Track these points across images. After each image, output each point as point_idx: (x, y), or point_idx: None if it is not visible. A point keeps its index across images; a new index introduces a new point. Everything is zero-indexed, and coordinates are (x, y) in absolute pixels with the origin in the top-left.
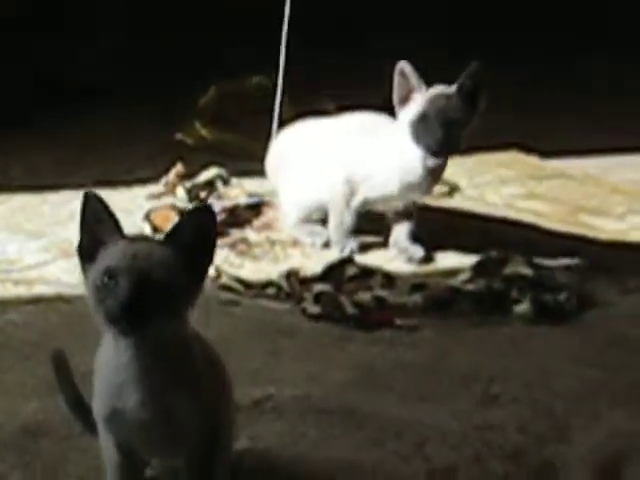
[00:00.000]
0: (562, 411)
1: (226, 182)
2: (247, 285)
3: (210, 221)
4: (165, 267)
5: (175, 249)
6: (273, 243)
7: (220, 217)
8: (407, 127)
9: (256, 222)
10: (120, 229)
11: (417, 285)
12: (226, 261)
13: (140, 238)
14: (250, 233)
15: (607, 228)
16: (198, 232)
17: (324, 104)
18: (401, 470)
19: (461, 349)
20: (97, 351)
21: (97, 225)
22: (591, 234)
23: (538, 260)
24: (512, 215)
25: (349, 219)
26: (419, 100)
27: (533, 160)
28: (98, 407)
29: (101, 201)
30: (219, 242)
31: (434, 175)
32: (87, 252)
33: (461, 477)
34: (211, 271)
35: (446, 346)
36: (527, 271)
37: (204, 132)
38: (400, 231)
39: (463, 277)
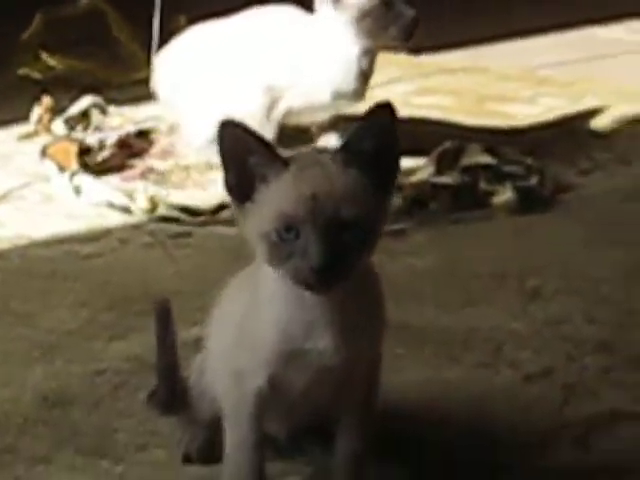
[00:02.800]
0: (617, 295)
1: (104, 111)
2: (194, 213)
3: (392, 119)
4: (356, 199)
5: (359, 166)
6: (187, 169)
7: (113, 149)
8: (348, 21)
9: (154, 150)
10: (277, 155)
11: None
12: (146, 192)
13: (305, 159)
14: (154, 162)
15: (522, 113)
16: (381, 136)
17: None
18: (495, 381)
19: (464, 248)
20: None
21: (245, 156)
22: (508, 122)
23: (494, 147)
24: (417, 113)
25: (271, 133)
26: None
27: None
28: (263, 349)
29: (242, 127)
30: (127, 175)
31: (367, 78)
32: (239, 191)
33: (559, 378)
34: (145, 203)
35: (448, 247)
36: (488, 159)
37: (52, 62)
38: (329, 144)
39: (429, 171)
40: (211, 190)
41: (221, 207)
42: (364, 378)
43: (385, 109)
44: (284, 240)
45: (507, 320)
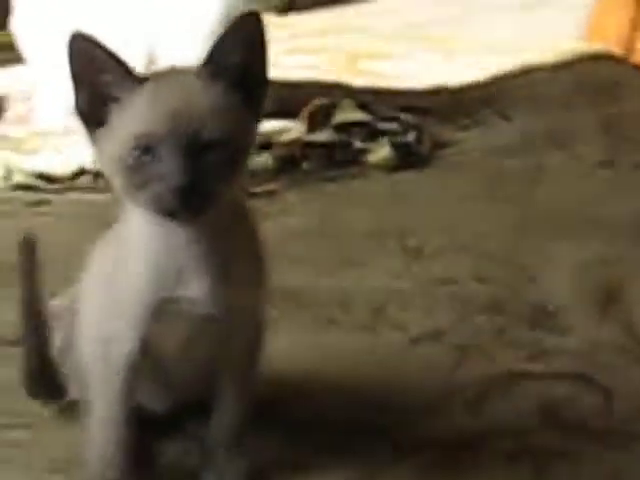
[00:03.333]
0: (503, 251)
1: None
2: (50, 179)
3: (260, 29)
4: (221, 117)
5: (225, 81)
6: (45, 135)
7: None
8: None
9: (8, 116)
10: (131, 72)
11: (261, 146)
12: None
13: (164, 75)
14: (8, 128)
15: (396, 70)
16: (249, 47)
17: None
18: (379, 344)
19: (339, 207)
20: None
21: (97, 74)
22: (381, 80)
23: (368, 103)
24: (287, 74)
25: None
26: None
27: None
28: (131, 305)
29: (93, 41)
30: None
31: None
32: (91, 114)
33: (450, 339)
34: None
35: (322, 206)
36: (362, 116)
37: None
38: None
39: (300, 129)
40: (68, 155)
41: (80, 172)
42: (246, 340)
43: (251, 18)
44: (141, 163)
45: (389, 281)
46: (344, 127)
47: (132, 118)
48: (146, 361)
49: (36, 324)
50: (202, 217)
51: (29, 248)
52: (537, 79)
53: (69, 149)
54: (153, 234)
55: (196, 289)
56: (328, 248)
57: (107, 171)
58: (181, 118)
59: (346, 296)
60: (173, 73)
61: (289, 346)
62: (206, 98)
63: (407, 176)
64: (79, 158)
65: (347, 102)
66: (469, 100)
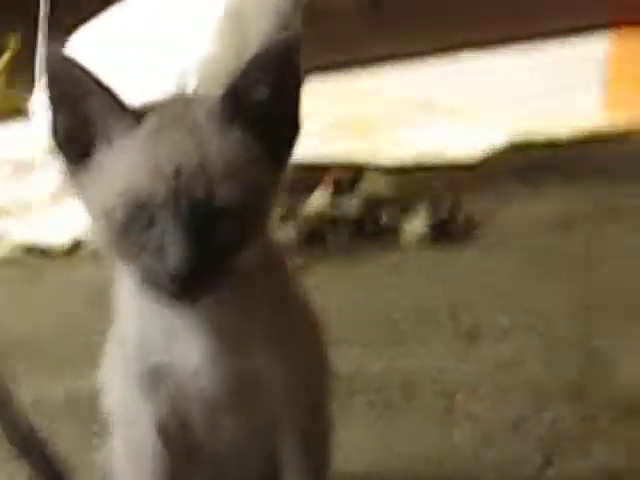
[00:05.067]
0: (572, 331)
1: None
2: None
3: (295, 54)
4: (238, 174)
5: (245, 123)
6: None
7: None
8: None
9: None
10: (124, 104)
11: (282, 216)
12: None
13: (167, 112)
14: None
15: (412, 142)
16: (278, 79)
17: None
18: (453, 438)
19: (377, 283)
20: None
21: (80, 98)
22: (400, 149)
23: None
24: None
25: None
26: None
27: None
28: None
29: (76, 64)
30: None
31: None
32: (72, 145)
33: (530, 432)
34: None
35: (357, 284)
36: (391, 191)
37: None
38: None
39: (323, 199)
40: (62, 224)
41: (76, 245)
42: (299, 436)
43: (286, 44)
44: (133, 223)
45: (449, 363)
46: (371, 199)
47: (124, 166)
48: (177, 446)
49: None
50: (206, 297)
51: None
52: (567, 151)
53: (63, 216)
54: (142, 297)
55: (191, 356)
56: (375, 328)
57: (92, 224)
58: (186, 178)
59: (407, 381)
60: (179, 108)
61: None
62: (221, 148)
63: (445, 252)
64: (74, 228)
65: (375, 175)
66: (499, 173)
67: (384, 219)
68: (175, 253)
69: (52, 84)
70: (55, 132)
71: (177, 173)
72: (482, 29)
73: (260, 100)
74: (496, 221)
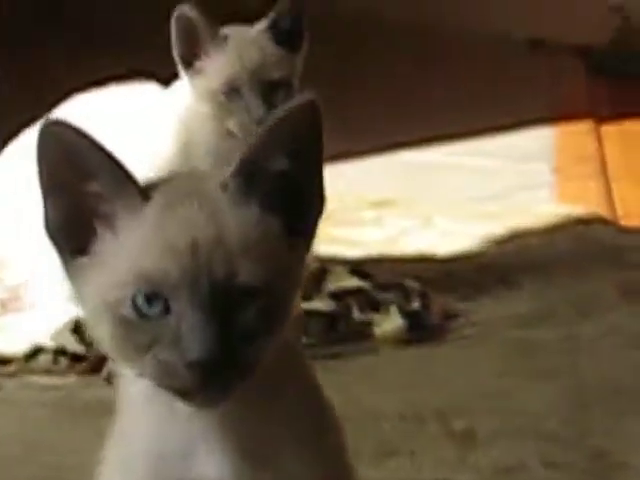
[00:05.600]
0: (567, 431)
1: None
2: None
3: (316, 119)
4: (260, 251)
5: (263, 198)
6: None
7: None
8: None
9: None
10: (133, 180)
11: None
12: None
13: (178, 188)
14: None
15: (370, 238)
16: (298, 147)
17: None
18: None
19: (355, 387)
20: None
21: (79, 180)
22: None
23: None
24: None
25: None
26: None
27: None
28: None
29: (77, 130)
30: None
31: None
32: (68, 236)
33: None
34: None
35: (334, 385)
36: (360, 283)
37: None
38: None
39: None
40: (21, 329)
41: (36, 351)
42: None
43: (307, 108)
44: (144, 317)
45: (446, 473)
46: (340, 296)
47: (131, 249)
48: None
49: None
50: (230, 396)
51: None
52: (531, 245)
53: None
54: (151, 397)
55: (214, 470)
56: (360, 435)
57: (89, 318)
58: (205, 256)
59: None
60: (190, 183)
61: None
62: (238, 223)
63: (423, 350)
64: (34, 334)
65: (340, 268)
66: (465, 269)
67: (356, 314)
68: (195, 340)
69: (45, 160)
70: (47, 220)
71: (193, 249)
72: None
73: (279, 172)
74: (470, 317)
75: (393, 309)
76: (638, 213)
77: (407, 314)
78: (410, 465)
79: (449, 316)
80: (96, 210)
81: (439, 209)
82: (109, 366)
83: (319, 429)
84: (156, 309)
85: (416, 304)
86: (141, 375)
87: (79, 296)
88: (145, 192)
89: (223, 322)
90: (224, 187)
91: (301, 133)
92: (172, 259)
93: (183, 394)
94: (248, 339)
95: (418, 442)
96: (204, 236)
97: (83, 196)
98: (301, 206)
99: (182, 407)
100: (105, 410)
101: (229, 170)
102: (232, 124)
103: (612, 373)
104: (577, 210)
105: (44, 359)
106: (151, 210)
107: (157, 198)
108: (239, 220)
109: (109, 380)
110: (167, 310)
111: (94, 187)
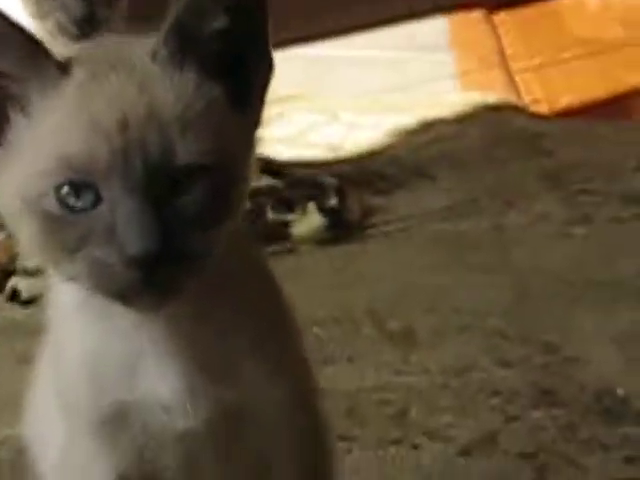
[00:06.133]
0: (519, 327)
1: None
2: None
3: None
4: (201, 122)
5: (196, 60)
6: None
7: None
8: None
9: None
10: (49, 53)
11: None
12: None
13: (102, 57)
14: None
15: (277, 134)
16: (239, 4)
17: None
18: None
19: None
20: None
21: None
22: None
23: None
24: None
25: None
26: None
27: None
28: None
29: None
30: None
31: None
32: None
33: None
34: None
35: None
36: (271, 181)
37: None
38: None
39: None
40: None
41: None
42: (292, 454)
43: None
44: (71, 209)
45: (390, 376)
46: (251, 195)
47: (51, 136)
48: None
49: None
50: (175, 297)
51: None
52: (443, 135)
53: None
54: (87, 308)
55: (164, 388)
56: None
57: (7, 217)
58: (136, 128)
59: (349, 402)
60: (113, 52)
61: None
62: (173, 93)
63: (346, 249)
64: None
65: None
66: (377, 162)
67: (270, 215)
68: (132, 232)
69: None
70: None
71: (123, 126)
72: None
73: (217, 31)
74: (390, 213)
75: (311, 207)
76: (545, 99)
77: (325, 212)
78: (351, 371)
79: (367, 212)
80: (5, 92)
81: (344, 103)
82: (12, 283)
83: (282, 337)
84: (85, 200)
85: (333, 201)
86: (72, 279)
87: None
88: (63, 65)
89: (164, 209)
90: (154, 55)
91: None
92: (99, 140)
93: (122, 297)
94: (195, 227)
95: (353, 346)
96: (134, 111)
97: None
98: (245, 70)
99: (122, 314)
100: (19, 332)
101: (158, 35)
102: (50, 25)
103: (548, 264)
104: (487, 98)
105: None
106: (71, 86)
107: (77, 72)
108: (173, 91)
109: (14, 299)
110: (97, 200)
111: (5, 65)
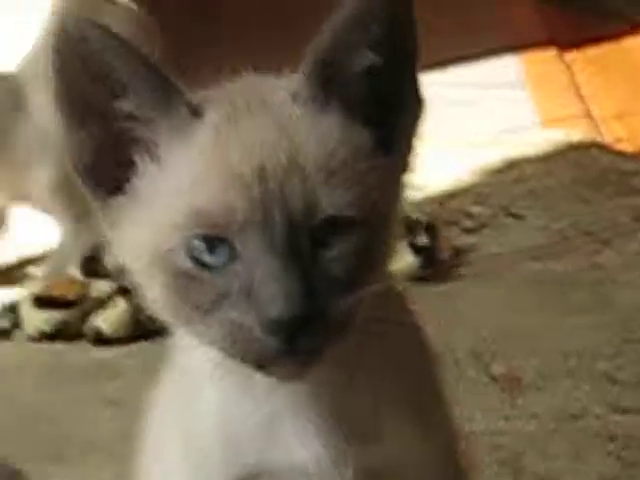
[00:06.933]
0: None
1: None
2: None
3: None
4: (346, 170)
5: (341, 102)
6: None
7: None
8: None
9: None
10: (181, 91)
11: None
12: None
13: (239, 97)
14: None
15: None
16: (389, 35)
17: None
18: None
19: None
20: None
21: (109, 95)
22: None
23: None
24: None
25: None
26: None
27: None
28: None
29: (105, 30)
30: None
31: None
32: (99, 170)
33: None
34: None
35: None
36: None
37: None
38: None
39: None
40: None
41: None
42: None
43: None
44: (204, 266)
45: (498, 421)
46: None
47: (183, 185)
48: None
49: None
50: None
51: None
52: (529, 173)
53: None
54: (221, 373)
55: (304, 453)
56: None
57: (134, 273)
58: (276, 178)
59: None
60: (251, 92)
61: None
62: (316, 140)
63: (440, 288)
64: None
65: None
66: (463, 201)
67: None
68: (273, 292)
69: (64, 71)
70: (72, 153)
71: (261, 174)
72: None
73: (364, 69)
74: (479, 252)
75: (403, 245)
76: (628, 138)
77: (416, 250)
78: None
79: (456, 251)
80: (132, 135)
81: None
82: (94, 324)
83: (429, 394)
84: (219, 256)
85: (424, 239)
86: (205, 342)
87: (119, 246)
88: (195, 107)
89: (306, 267)
90: (295, 96)
91: (389, 18)
92: (235, 191)
93: (262, 364)
94: (339, 287)
95: (459, 389)
96: (274, 158)
97: (114, 117)
98: (393, 112)
99: (260, 379)
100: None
101: (299, 74)
102: None
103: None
104: (571, 135)
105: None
106: (204, 130)
107: (210, 114)
108: (317, 135)
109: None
110: (234, 257)
111: (127, 104)
